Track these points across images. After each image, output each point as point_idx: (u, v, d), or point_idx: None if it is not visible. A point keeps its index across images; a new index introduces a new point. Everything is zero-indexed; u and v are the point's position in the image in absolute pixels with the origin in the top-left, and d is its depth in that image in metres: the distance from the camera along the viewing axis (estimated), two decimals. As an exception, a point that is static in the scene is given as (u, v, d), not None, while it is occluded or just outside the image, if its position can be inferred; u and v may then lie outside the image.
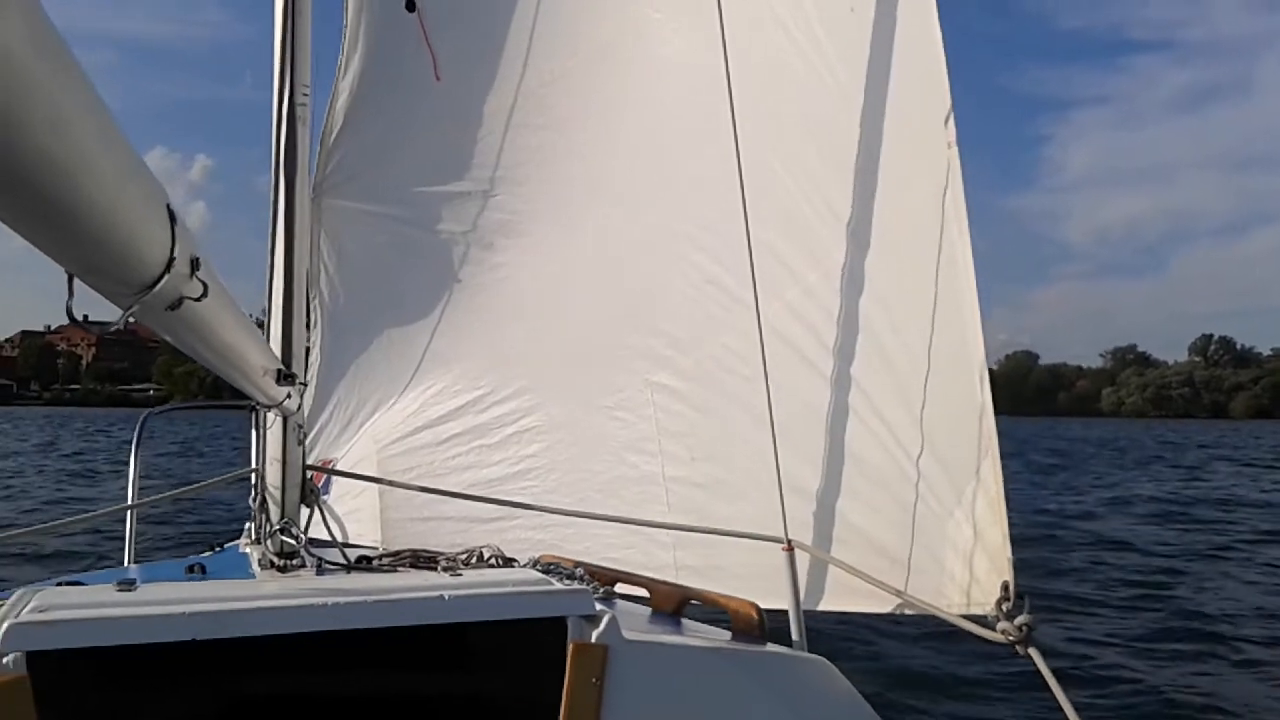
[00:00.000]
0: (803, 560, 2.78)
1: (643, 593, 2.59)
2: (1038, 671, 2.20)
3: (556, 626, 1.84)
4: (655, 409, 3.37)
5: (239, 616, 1.66)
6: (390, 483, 3.48)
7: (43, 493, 16.86)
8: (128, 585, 1.77)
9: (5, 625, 1.51)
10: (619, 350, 3.46)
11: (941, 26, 2.75)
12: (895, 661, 6.37)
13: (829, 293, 2.98)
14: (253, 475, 3.14)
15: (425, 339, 3.79)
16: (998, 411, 2.70)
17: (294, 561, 2.35)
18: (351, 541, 3.45)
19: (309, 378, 3.61)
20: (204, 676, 1.72)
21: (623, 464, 3.43)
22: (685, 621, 2.43)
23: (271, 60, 2.80)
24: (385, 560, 2.40)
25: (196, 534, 9.50)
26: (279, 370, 2.20)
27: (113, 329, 1.04)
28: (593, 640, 1.84)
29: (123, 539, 3.68)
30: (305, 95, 2.79)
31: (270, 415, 2.55)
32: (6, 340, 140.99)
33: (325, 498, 2.72)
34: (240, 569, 2.50)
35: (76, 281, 0.92)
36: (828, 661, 2.19)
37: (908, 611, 2.74)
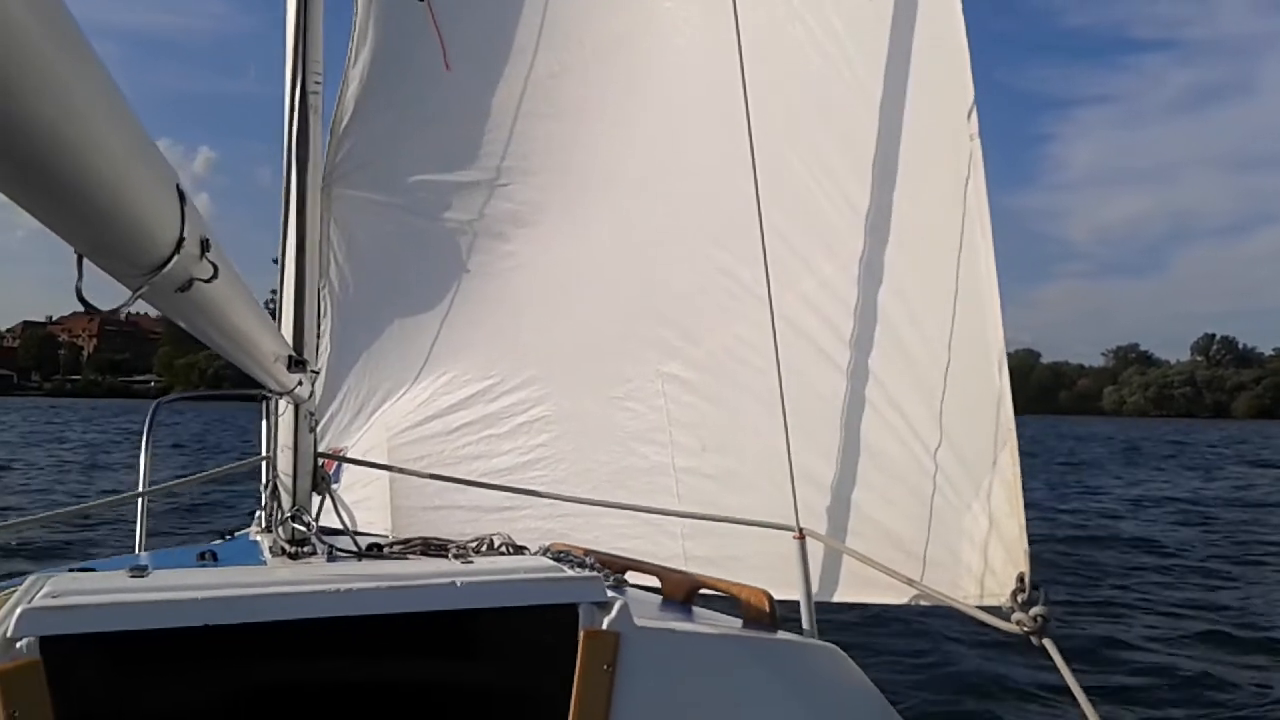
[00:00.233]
0: (815, 551, 2.77)
1: (653, 581, 2.59)
2: (1053, 662, 2.20)
3: (568, 613, 1.84)
4: (666, 399, 3.37)
5: (251, 602, 1.66)
6: (401, 470, 3.48)
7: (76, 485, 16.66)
8: (140, 571, 1.77)
9: (19, 610, 1.51)
10: (629, 340, 3.45)
11: (965, 17, 2.73)
12: (908, 652, 6.38)
13: (845, 284, 2.97)
14: (263, 463, 3.14)
15: (435, 328, 3.79)
16: None
17: (305, 549, 2.34)
18: (361, 530, 3.45)
19: (319, 366, 3.60)
20: (215, 662, 1.71)
21: (632, 454, 3.42)
22: (696, 610, 2.43)
23: (283, 48, 2.79)
24: (396, 548, 2.39)
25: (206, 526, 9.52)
26: (290, 356, 2.20)
27: (122, 310, 1.03)
28: (604, 627, 1.84)
29: (133, 528, 3.68)
30: (318, 83, 2.78)
31: (281, 403, 2.54)
32: (8, 331, 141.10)
33: (335, 486, 2.72)
34: (251, 556, 2.49)
35: (86, 263, 0.90)
36: (839, 649, 2.19)
37: (922, 603, 2.73)
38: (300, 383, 2.32)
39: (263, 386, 2.21)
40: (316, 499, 2.57)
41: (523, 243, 3.69)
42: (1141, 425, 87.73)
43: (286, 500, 2.51)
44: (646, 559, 2.70)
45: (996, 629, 2.34)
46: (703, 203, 3.29)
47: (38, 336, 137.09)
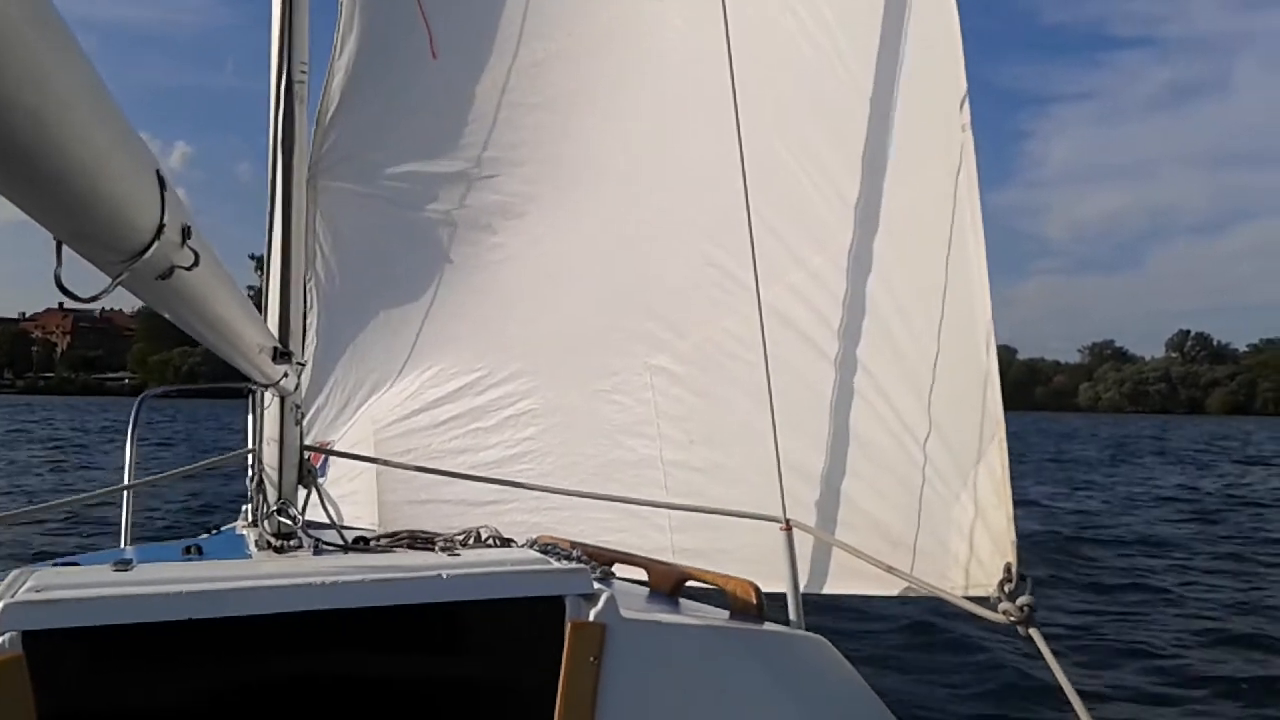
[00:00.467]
0: (803, 543, 2.77)
1: (640, 574, 2.59)
2: (1040, 652, 2.21)
3: (554, 605, 1.85)
4: (654, 392, 3.36)
5: (236, 596, 1.65)
6: (388, 462, 3.47)
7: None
8: (124, 565, 1.75)
9: (1, 605, 1.50)
10: (617, 333, 3.45)
11: (959, 8, 2.74)
12: (893, 642, 6.40)
13: (835, 276, 2.98)
14: (249, 456, 3.12)
15: (422, 321, 3.77)
16: None
17: (291, 542, 2.33)
18: (348, 525, 3.43)
19: (305, 359, 3.58)
20: (200, 657, 1.70)
21: (619, 447, 3.42)
22: (683, 601, 2.43)
23: (264, 41, 2.77)
24: (383, 541, 2.38)
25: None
26: (275, 348, 2.18)
27: (103, 297, 1.02)
28: (591, 619, 1.84)
29: (118, 522, 3.64)
30: (303, 73, 2.76)
31: (267, 395, 2.52)
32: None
33: (321, 480, 2.70)
34: (237, 550, 2.47)
35: (66, 251, 0.90)
36: (825, 640, 2.20)
37: (910, 594, 2.75)
38: (285, 375, 2.31)
39: (248, 379, 2.19)
40: (302, 492, 2.56)
41: (510, 235, 3.68)
42: (1119, 422, 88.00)
43: (272, 494, 2.49)
44: (634, 552, 2.70)
45: (984, 619, 2.35)
46: (692, 196, 3.28)
47: (10, 333, 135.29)
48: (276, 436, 2.50)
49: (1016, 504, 2.68)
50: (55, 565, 1.94)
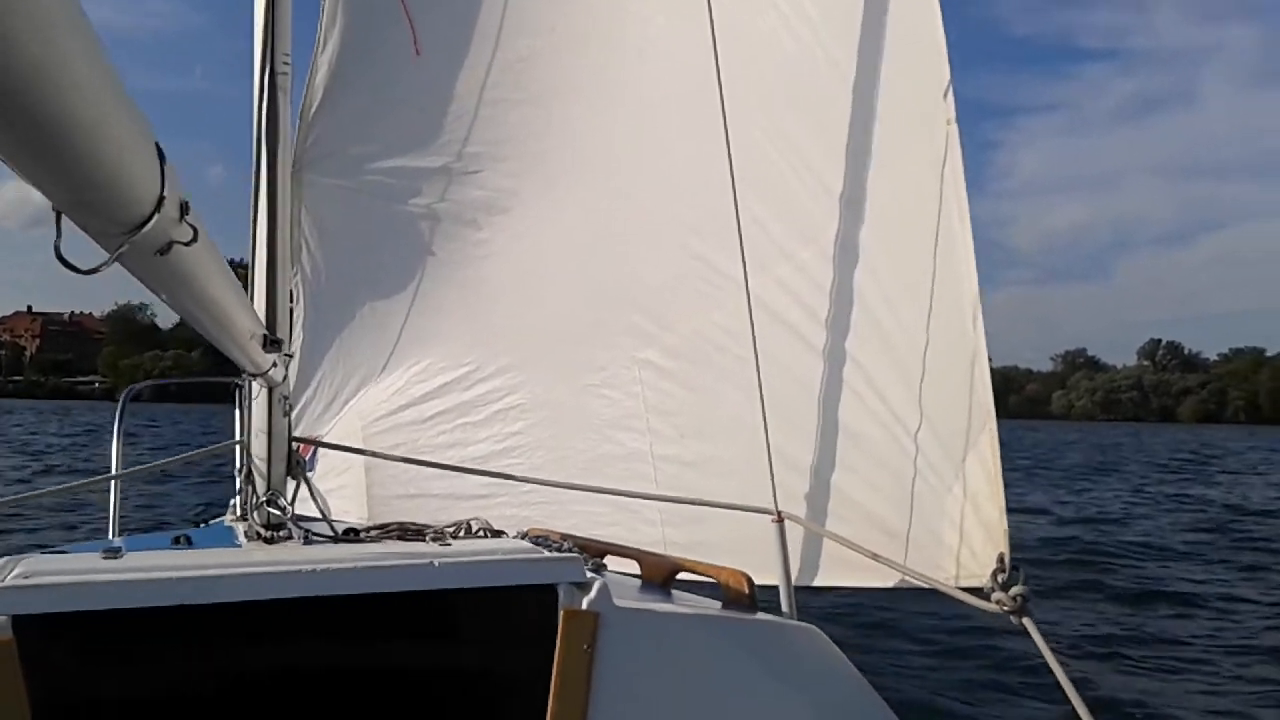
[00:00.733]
0: (795, 536, 2.77)
1: (632, 566, 2.57)
2: (1033, 642, 2.22)
3: (547, 594, 1.83)
4: (642, 386, 3.36)
5: (227, 582, 1.63)
6: (376, 454, 3.44)
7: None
8: (113, 553, 1.73)
9: None
10: (604, 327, 3.44)
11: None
12: (886, 633, 6.42)
13: (821, 268, 2.98)
14: (237, 448, 3.08)
15: (408, 316, 3.75)
16: None
17: (280, 533, 2.31)
18: (336, 518, 3.42)
19: (293, 351, 3.55)
20: (190, 643, 1.68)
21: (608, 442, 3.41)
22: (675, 592, 2.42)
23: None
24: (373, 532, 2.36)
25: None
26: (264, 336, 2.17)
27: (103, 269, 1.01)
28: (584, 607, 1.83)
29: (106, 514, 3.60)
30: (286, 64, 2.74)
31: (255, 386, 2.50)
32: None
33: (310, 474, 2.67)
34: (226, 541, 2.45)
35: (65, 222, 0.90)
36: (819, 630, 2.19)
37: (902, 585, 2.75)
38: (275, 364, 2.29)
39: (236, 371, 2.17)
40: (291, 484, 2.54)
41: (495, 230, 3.66)
42: (1094, 430, 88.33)
43: (261, 485, 2.47)
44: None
45: (978, 609, 2.35)
46: (677, 189, 3.28)
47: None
48: (265, 428, 2.48)
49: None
50: (43, 554, 1.92)
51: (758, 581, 2.36)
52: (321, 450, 3.71)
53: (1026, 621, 2.22)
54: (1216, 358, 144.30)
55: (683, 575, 2.48)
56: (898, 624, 6.68)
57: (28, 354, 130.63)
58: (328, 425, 3.82)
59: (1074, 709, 2.07)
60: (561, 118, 3.55)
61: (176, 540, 2.35)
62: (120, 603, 1.55)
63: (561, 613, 1.82)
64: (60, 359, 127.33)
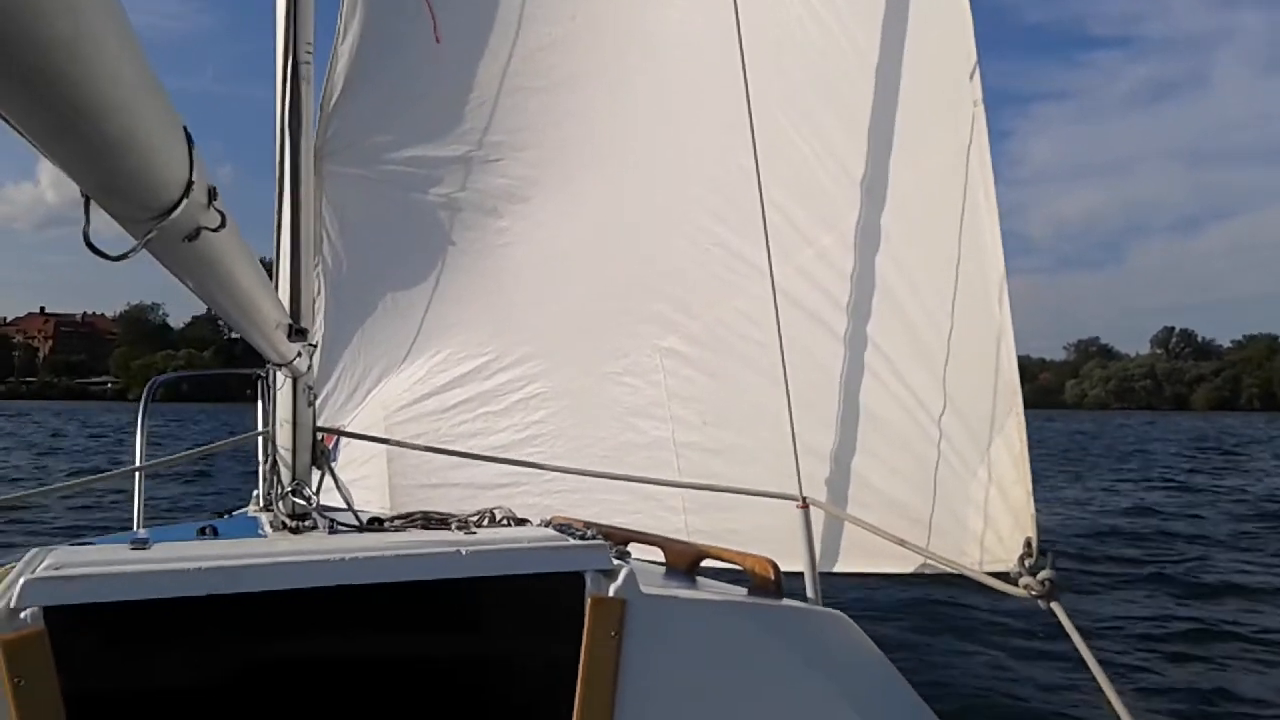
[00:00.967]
0: (819, 523, 2.76)
1: (656, 554, 2.57)
2: (1061, 627, 2.21)
3: (574, 581, 1.83)
4: (664, 374, 3.35)
5: (255, 571, 1.63)
6: (400, 443, 3.45)
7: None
8: (141, 544, 1.74)
9: (22, 581, 1.49)
10: (625, 315, 3.44)
11: None
12: (913, 618, 6.41)
13: (844, 255, 2.97)
14: (261, 439, 3.09)
15: (429, 305, 3.76)
16: None
17: (306, 523, 2.32)
18: (359, 508, 3.43)
19: (315, 341, 3.57)
20: (219, 634, 1.69)
21: (630, 430, 3.41)
22: (700, 579, 2.41)
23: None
24: (397, 521, 2.37)
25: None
26: (290, 325, 2.17)
27: (131, 255, 1.00)
28: (610, 594, 1.82)
29: (131, 506, 3.61)
30: (309, 53, 2.75)
31: (279, 377, 2.51)
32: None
33: (332, 464, 2.68)
34: (251, 532, 2.45)
35: (94, 208, 0.89)
36: (845, 616, 2.18)
37: (928, 571, 2.74)
38: (299, 354, 2.29)
39: (260, 362, 2.17)
40: (316, 474, 2.54)
41: (516, 218, 3.66)
42: (1109, 419, 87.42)
43: (286, 475, 2.48)
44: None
45: (1005, 594, 2.34)
46: (699, 176, 3.27)
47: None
48: (290, 418, 2.48)
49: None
50: (71, 545, 1.92)
51: (783, 569, 2.35)
52: (344, 441, 3.72)
53: (1055, 606, 2.21)
54: (1230, 344, 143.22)
55: (707, 562, 2.48)
56: (926, 610, 6.66)
57: (40, 355, 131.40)
58: (350, 416, 3.83)
59: (1104, 694, 2.06)
60: (582, 106, 3.54)
61: (202, 531, 2.36)
62: (151, 593, 1.55)
63: (589, 600, 1.81)
64: (73, 360, 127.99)
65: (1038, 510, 2.62)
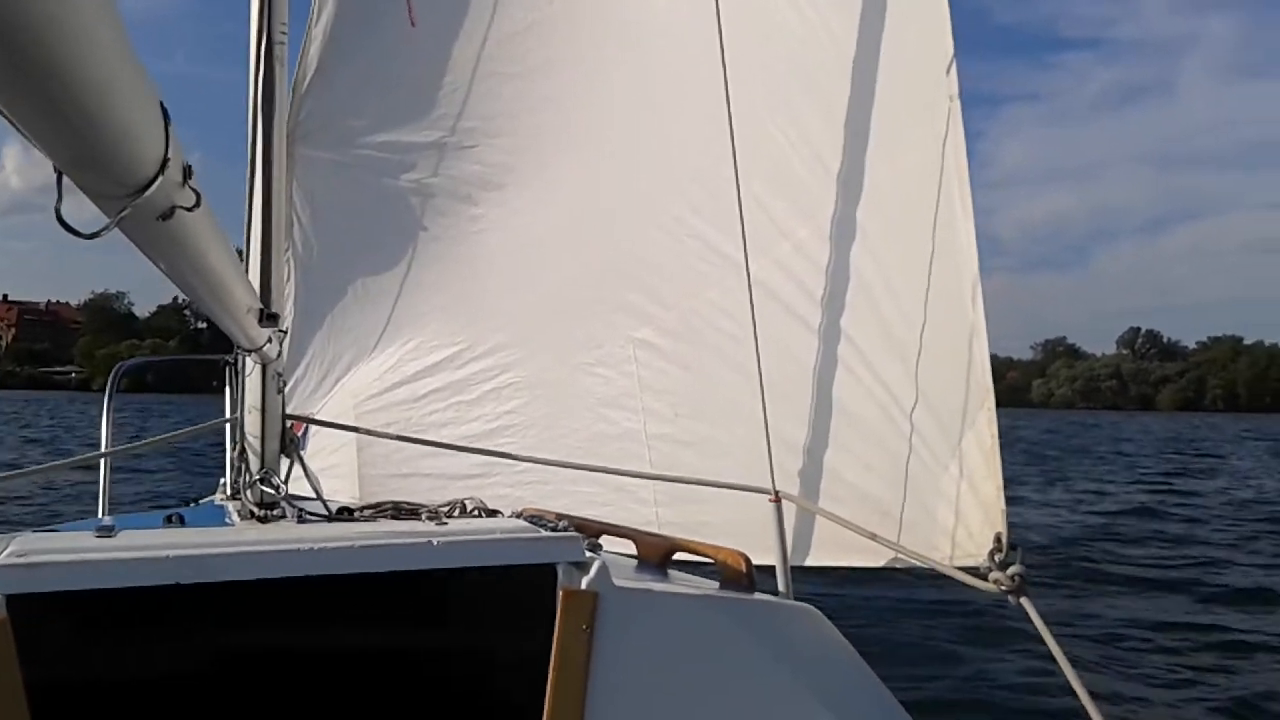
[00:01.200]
0: (791, 516, 2.76)
1: (628, 546, 2.56)
2: (1031, 622, 2.21)
3: (546, 573, 1.81)
4: (637, 365, 3.34)
5: (223, 561, 1.61)
6: (370, 432, 3.41)
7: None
8: (107, 531, 1.70)
9: None
10: (600, 305, 3.42)
11: None
12: (884, 613, 6.45)
13: (820, 248, 2.97)
14: (229, 426, 3.05)
15: (401, 292, 3.71)
16: None
17: (274, 512, 2.28)
18: (329, 497, 3.39)
19: (286, 327, 3.53)
20: (185, 624, 1.66)
21: (602, 421, 3.39)
22: (672, 572, 2.41)
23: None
24: (367, 511, 2.34)
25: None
26: (260, 310, 2.14)
27: (104, 233, 0.98)
28: (583, 587, 1.81)
29: (95, 493, 3.56)
30: (283, 34, 2.70)
31: (248, 363, 2.47)
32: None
33: (301, 453, 2.64)
34: (218, 520, 2.41)
35: (66, 183, 0.88)
36: (817, 610, 2.18)
37: (899, 565, 2.74)
38: (269, 340, 2.26)
39: (229, 348, 2.14)
40: (285, 462, 2.51)
41: (490, 206, 3.63)
42: (1077, 417, 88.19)
43: (254, 463, 2.44)
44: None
45: (974, 588, 2.34)
46: (676, 166, 3.26)
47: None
48: (258, 405, 2.45)
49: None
50: (35, 532, 1.88)
51: (754, 562, 2.35)
52: (313, 429, 3.67)
53: (1024, 602, 2.22)
54: (1195, 346, 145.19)
55: (679, 555, 2.47)
56: (897, 604, 6.71)
57: (3, 343, 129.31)
58: (319, 404, 3.77)
59: (1072, 689, 2.07)
60: (558, 92, 3.51)
61: (169, 519, 2.32)
62: (117, 582, 1.53)
63: (560, 592, 1.80)
64: (36, 348, 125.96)
65: (1007, 508, 2.63)
